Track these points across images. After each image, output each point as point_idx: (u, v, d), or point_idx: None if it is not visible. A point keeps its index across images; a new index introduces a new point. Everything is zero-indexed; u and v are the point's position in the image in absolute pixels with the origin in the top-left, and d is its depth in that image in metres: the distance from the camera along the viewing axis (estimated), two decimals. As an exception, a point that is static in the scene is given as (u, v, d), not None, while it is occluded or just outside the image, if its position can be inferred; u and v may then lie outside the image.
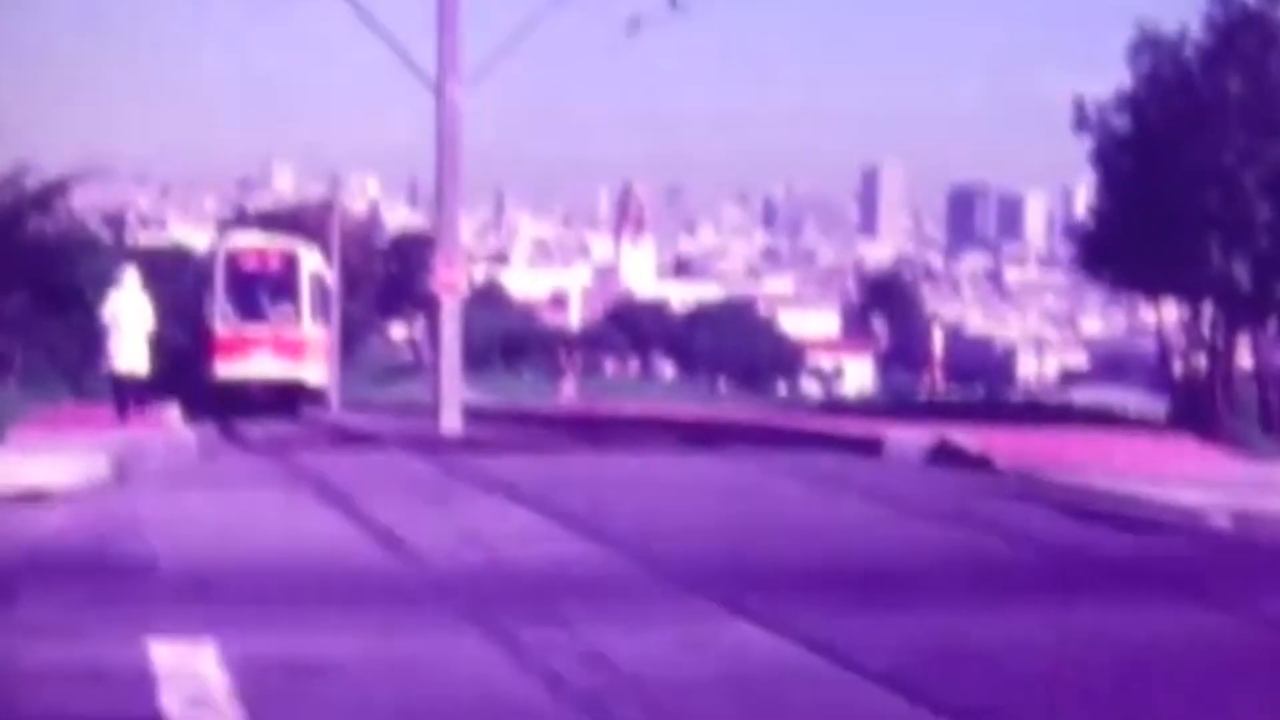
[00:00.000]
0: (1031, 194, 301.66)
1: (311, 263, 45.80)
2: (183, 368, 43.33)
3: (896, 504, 17.29)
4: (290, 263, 44.21)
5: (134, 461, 19.70)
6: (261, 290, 43.28)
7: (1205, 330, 29.37)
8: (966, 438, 22.04)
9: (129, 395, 27.45)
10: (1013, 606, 11.68)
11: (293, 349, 43.04)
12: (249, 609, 10.98)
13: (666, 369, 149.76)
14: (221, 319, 42.75)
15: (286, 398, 42.11)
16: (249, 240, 47.65)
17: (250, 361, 42.30)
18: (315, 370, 44.80)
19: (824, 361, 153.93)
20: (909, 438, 22.58)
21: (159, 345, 29.34)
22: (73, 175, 45.73)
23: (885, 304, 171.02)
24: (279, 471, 20.37)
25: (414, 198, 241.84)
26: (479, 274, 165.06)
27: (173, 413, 29.07)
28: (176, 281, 53.95)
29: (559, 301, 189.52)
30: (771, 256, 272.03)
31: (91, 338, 30.61)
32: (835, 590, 12.18)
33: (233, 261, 43.64)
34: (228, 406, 38.36)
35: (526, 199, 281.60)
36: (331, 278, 51.25)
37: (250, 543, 14.06)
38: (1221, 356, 29.17)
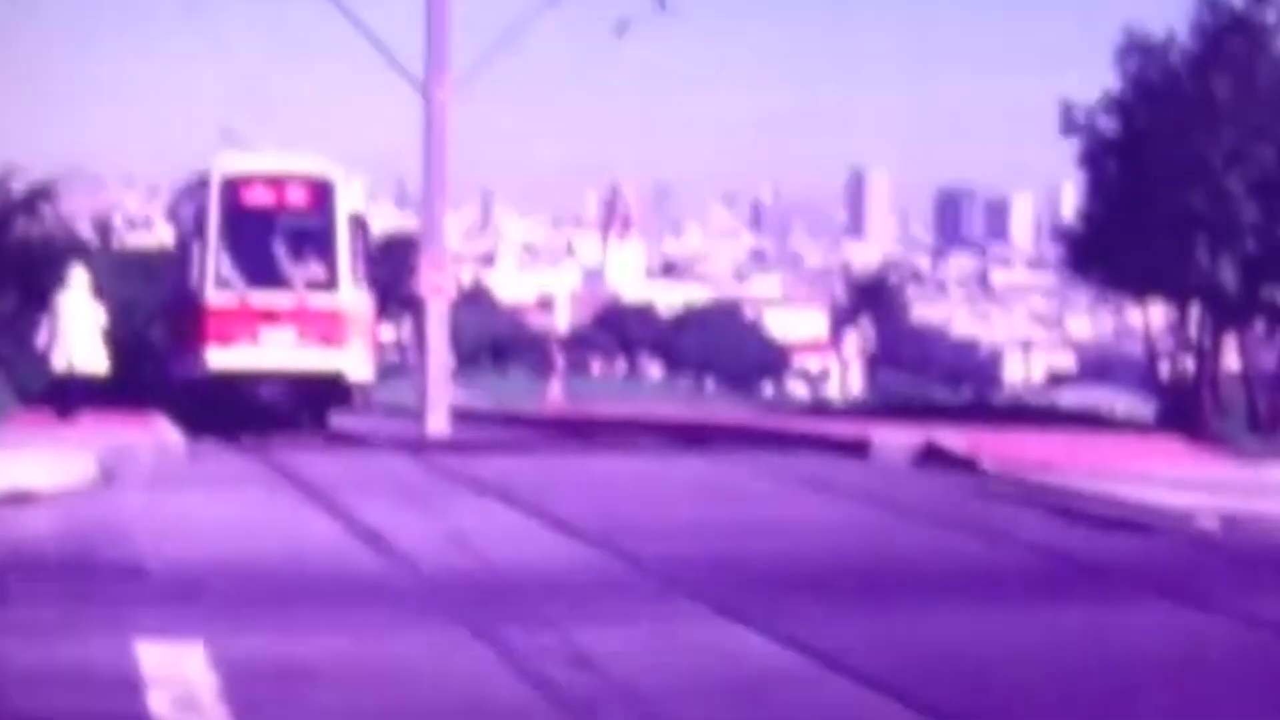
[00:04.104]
0: (1018, 196, 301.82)
1: (350, 197, 30.61)
2: (148, 360, 34.24)
3: (883, 505, 17.30)
4: (320, 195, 29.71)
5: (122, 462, 19.69)
6: (278, 237, 29.54)
7: (1192, 332, 29.40)
8: (953, 439, 22.06)
9: (69, 395, 27.11)
10: (999, 608, 11.69)
11: (326, 327, 29.27)
12: (237, 610, 10.98)
13: (654, 370, 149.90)
14: (216, 283, 29.01)
15: (314, 400, 29.55)
16: (256, 162, 31.21)
17: (260, 346, 28.95)
18: (358, 358, 30.08)
19: (811, 363, 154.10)
20: (896, 439, 22.60)
21: (116, 340, 28.75)
22: (59, 179, 45.56)
23: (872, 306, 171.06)
24: (266, 473, 20.35)
25: (401, 199, 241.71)
26: (466, 276, 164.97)
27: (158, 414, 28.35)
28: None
29: (546, 303, 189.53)
30: (759, 258, 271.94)
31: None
32: (822, 592, 12.18)
33: (232, 194, 29.46)
34: (222, 413, 27.95)
35: (514, 200, 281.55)
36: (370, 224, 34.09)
37: (238, 544, 14.05)
38: (1209, 358, 29.20)
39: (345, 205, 29.81)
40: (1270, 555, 14.65)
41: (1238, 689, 9.37)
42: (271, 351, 28.91)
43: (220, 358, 28.78)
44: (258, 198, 29.54)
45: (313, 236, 29.58)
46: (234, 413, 28.05)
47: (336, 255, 29.40)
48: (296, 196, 29.75)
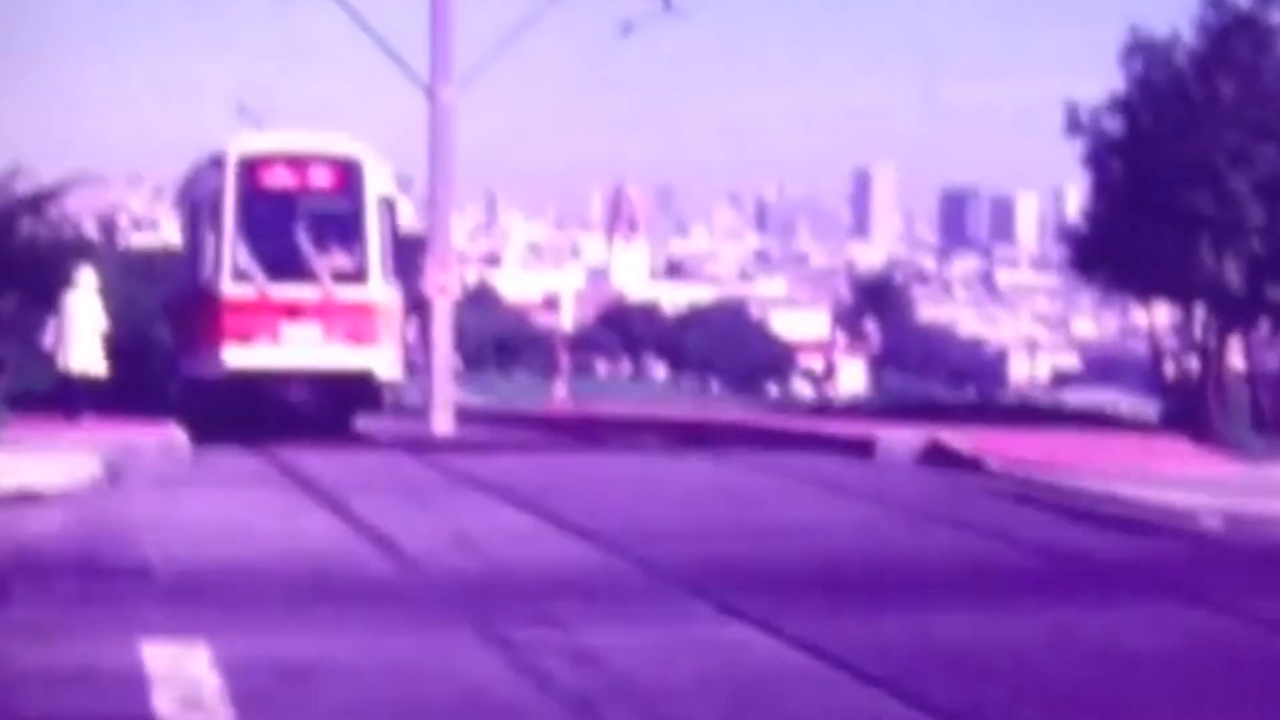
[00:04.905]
0: (1023, 196, 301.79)
1: (379, 179, 27.64)
2: (154, 360, 32.50)
3: (888, 505, 17.30)
4: (347, 176, 27.03)
5: (127, 462, 19.69)
6: (301, 223, 26.71)
7: (1197, 332, 29.35)
8: (959, 439, 22.06)
9: (81, 396, 26.95)
10: (1004, 607, 11.69)
11: (354, 322, 26.65)
12: (241, 610, 10.99)
13: (659, 370, 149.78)
14: (233, 275, 26.37)
15: (341, 402, 27.04)
16: (276, 141, 28.36)
17: (282, 344, 26.36)
18: (387, 356, 27.47)
19: (815, 363, 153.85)
20: (901, 438, 22.59)
21: (121, 340, 28.36)
22: (66, 182, 45.52)
23: (877, 306, 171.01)
24: (271, 472, 20.36)
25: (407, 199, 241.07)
26: (471, 276, 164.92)
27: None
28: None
29: (551, 303, 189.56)
30: (764, 258, 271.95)
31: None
32: (827, 591, 12.19)
33: (251, 176, 26.76)
34: (238, 416, 25.71)
35: (519, 201, 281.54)
36: (409, 211, 30.75)
37: (242, 544, 14.06)
38: (1213, 358, 29.14)
39: (375, 187, 27.10)
40: (1274, 554, 14.66)
41: (1241, 687, 9.37)
42: (294, 349, 26.36)
43: (238, 356, 26.22)
44: (278, 179, 26.85)
45: (339, 222, 26.86)
46: (252, 416, 25.80)
47: (366, 243, 26.77)
48: (321, 178, 27.02)
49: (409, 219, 31.01)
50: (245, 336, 26.24)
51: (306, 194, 26.89)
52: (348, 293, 26.52)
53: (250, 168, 26.71)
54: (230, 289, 26.33)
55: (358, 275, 26.71)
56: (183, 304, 29.27)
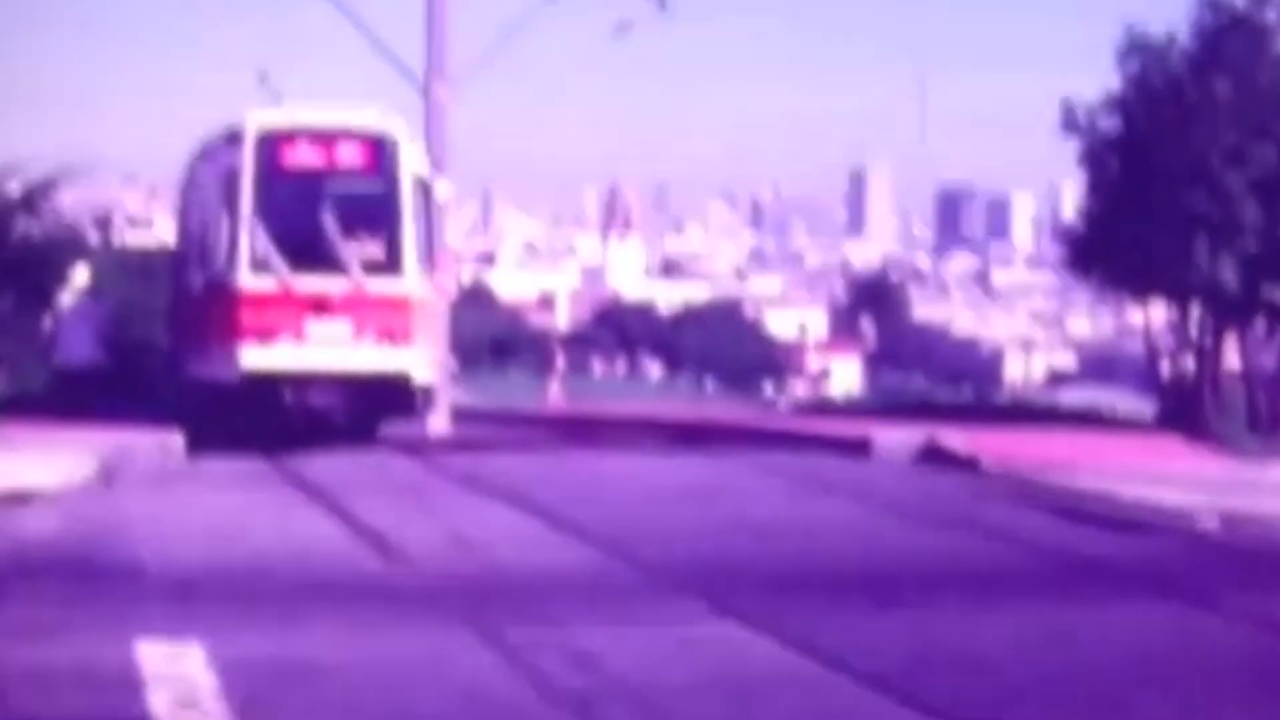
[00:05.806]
0: (1019, 195, 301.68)
1: (414, 158, 25.28)
2: (151, 359, 30.87)
3: (884, 505, 17.30)
4: (379, 155, 24.40)
5: (122, 461, 19.68)
6: (328, 207, 24.07)
7: (1193, 331, 29.37)
8: (954, 438, 22.06)
9: (71, 394, 26.92)
10: (1000, 608, 11.69)
11: (388, 319, 24.04)
12: (237, 610, 10.98)
13: (654, 369, 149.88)
14: (251, 264, 23.69)
15: (372, 407, 24.68)
16: (298, 117, 25.31)
17: (307, 342, 23.74)
18: (423, 356, 25.09)
19: (811, 362, 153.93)
20: (897, 438, 22.59)
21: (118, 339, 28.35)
22: (59, 176, 45.48)
23: (873, 305, 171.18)
24: (266, 472, 20.35)
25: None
26: (466, 275, 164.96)
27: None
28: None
29: (547, 302, 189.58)
30: (759, 257, 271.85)
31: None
32: (823, 591, 12.19)
33: (271, 153, 24.13)
34: (255, 425, 23.56)
35: (514, 200, 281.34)
36: (448, 192, 28.19)
37: (237, 543, 14.06)
38: (1209, 357, 29.16)
39: (409, 167, 24.58)
40: (1270, 554, 14.66)
41: (1237, 688, 9.36)
42: (321, 349, 23.75)
43: (256, 357, 23.57)
44: (302, 158, 24.21)
45: (371, 206, 24.29)
46: (270, 424, 23.61)
47: (400, 230, 24.13)
48: (350, 156, 24.35)
49: (448, 200, 28.60)
50: (265, 334, 23.67)
51: (334, 174, 24.34)
52: (380, 285, 23.94)
53: (271, 144, 24.10)
54: (248, 280, 23.68)
55: (391, 266, 24.11)
56: (190, 298, 26.78)
